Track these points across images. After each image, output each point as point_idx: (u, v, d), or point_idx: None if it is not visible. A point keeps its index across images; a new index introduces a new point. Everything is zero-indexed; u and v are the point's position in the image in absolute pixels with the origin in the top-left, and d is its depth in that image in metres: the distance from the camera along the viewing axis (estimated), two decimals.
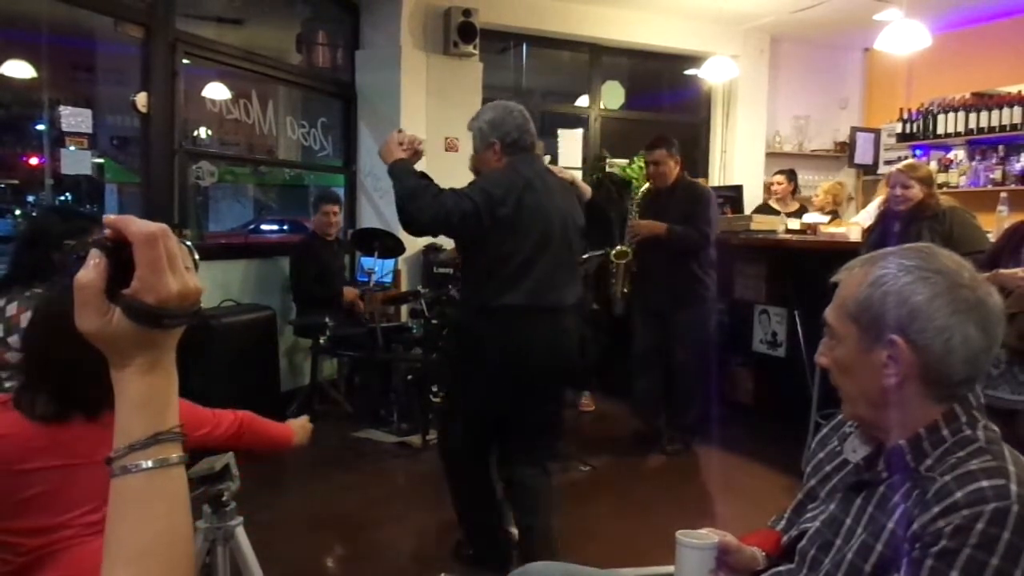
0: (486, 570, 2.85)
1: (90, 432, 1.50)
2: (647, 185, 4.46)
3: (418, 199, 2.69)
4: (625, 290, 4.50)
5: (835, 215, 5.82)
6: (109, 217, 0.72)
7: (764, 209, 5.84)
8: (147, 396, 0.73)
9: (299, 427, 2.07)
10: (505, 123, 2.78)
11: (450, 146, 5.90)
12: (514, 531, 2.99)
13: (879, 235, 3.72)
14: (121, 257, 0.71)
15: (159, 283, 0.70)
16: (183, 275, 0.72)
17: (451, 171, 5.90)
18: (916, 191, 3.65)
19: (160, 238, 0.70)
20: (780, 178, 6.16)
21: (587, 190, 3.44)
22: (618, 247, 4.47)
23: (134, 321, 0.70)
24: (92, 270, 0.70)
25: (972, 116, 6.19)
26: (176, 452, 0.73)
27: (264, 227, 10.15)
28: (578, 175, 3.47)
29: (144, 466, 0.71)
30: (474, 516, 3.00)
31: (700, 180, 6.21)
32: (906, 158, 6.06)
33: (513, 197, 2.66)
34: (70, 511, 1.50)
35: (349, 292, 5.01)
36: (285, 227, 9.81)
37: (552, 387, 2.91)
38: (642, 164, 5.17)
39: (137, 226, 0.70)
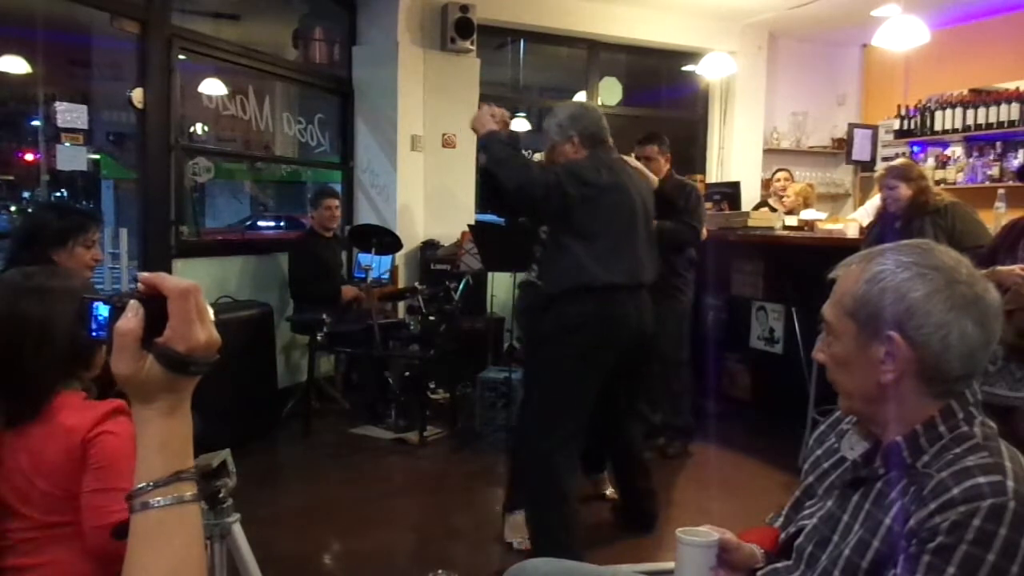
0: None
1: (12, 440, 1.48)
2: None
3: (507, 167, 2.83)
4: None
5: None
6: (143, 274, 0.80)
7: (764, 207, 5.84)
8: (167, 437, 0.80)
9: None
10: (584, 118, 2.95)
11: (447, 142, 5.90)
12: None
13: (879, 232, 3.73)
14: (151, 309, 0.79)
15: (189, 333, 0.79)
16: (209, 327, 0.81)
17: (449, 167, 5.94)
18: (903, 190, 3.67)
19: (192, 293, 0.79)
20: (785, 174, 6.18)
21: (654, 180, 3.41)
22: None
23: (165, 367, 0.78)
24: (132, 320, 0.78)
25: (970, 112, 6.18)
26: (191, 490, 0.80)
27: (260, 223, 10.11)
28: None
29: (162, 503, 0.78)
30: (559, 513, 2.87)
31: (698, 177, 6.22)
32: (904, 155, 6.08)
33: (598, 180, 2.83)
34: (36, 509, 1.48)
35: (348, 291, 5.00)
36: (281, 223, 9.78)
37: (637, 360, 3.09)
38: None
39: (172, 282, 0.79)
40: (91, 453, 1.45)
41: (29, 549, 1.47)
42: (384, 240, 5.05)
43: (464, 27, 5.66)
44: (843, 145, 7.29)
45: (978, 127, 6.15)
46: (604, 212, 2.82)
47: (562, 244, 2.87)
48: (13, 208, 8.02)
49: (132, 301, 0.79)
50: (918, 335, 1.12)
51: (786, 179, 6.14)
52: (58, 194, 6.84)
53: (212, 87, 5.21)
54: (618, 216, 2.86)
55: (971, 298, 1.12)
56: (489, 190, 2.98)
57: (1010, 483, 1.04)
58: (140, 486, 0.78)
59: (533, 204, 2.88)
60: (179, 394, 0.81)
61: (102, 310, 0.83)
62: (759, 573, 1.32)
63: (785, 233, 4.88)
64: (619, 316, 2.85)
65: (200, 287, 0.80)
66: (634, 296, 2.90)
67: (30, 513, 1.47)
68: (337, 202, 5.16)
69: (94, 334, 0.84)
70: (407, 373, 4.76)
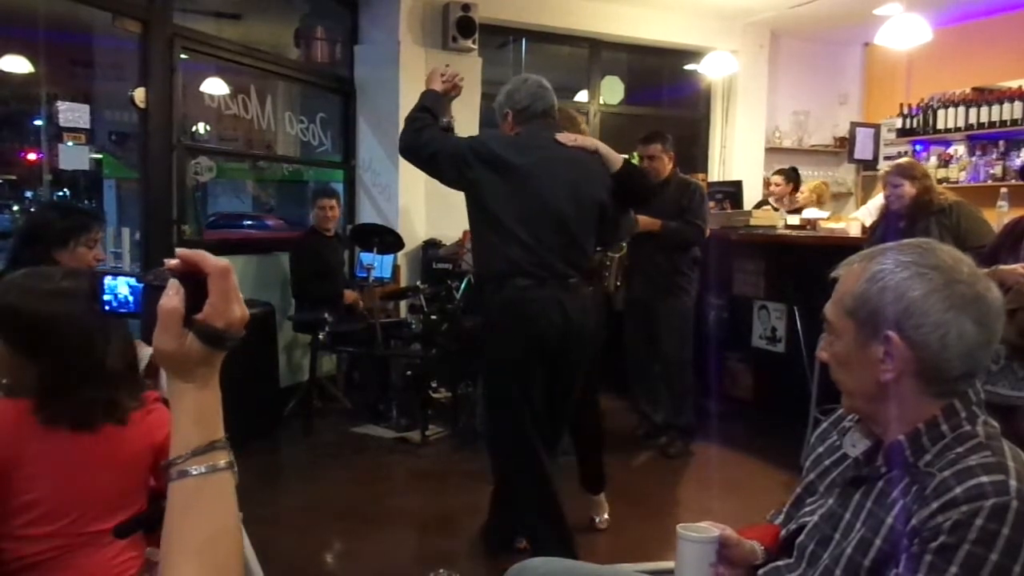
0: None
1: (80, 442, 1.48)
2: None
3: (407, 124, 2.79)
4: (618, 283, 4.50)
5: None
6: (183, 251, 0.81)
7: (763, 207, 5.79)
8: (202, 409, 0.84)
9: None
10: (517, 92, 2.83)
11: None
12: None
13: (882, 232, 3.74)
14: (187, 286, 0.80)
15: (228, 310, 0.81)
16: (242, 304, 0.83)
17: None
18: (907, 188, 3.68)
19: (230, 272, 0.81)
20: (777, 178, 5.93)
21: (615, 160, 2.91)
22: None
23: (205, 343, 0.81)
24: (174, 298, 0.80)
25: (972, 111, 6.17)
26: (224, 459, 0.83)
27: (236, 224, 9.58)
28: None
29: (199, 471, 0.81)
30: (538, 504, 2.77)
31: (699, 176, 6.21)
32: (906, 153, 6.07)
33: (508, 158, 2.64)
34: (61, 519, 1.47)
35: (349, 295, 5.00)
36: (249, 223, 9.29)
37: (564, 366, 2.76)
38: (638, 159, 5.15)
39: (213, 260, 0.81)
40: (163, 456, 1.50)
41: (51, 556, 1.48)
42: (386, 239, 5.05)
43: (466, 26, 5.66)
44: (845, 144, 7.28)
45: (980, 126, 6.14)
46: (506, 195, 2.60)
47: (476, 226, 2.73)
48: (16, 207, 8.02)
49: (172, 280, 0.80)
50: (916, 334, 1.12)
51: (776, 184, 5.92)
52: (60, 194, 6.83)
53: (214, 86, 5.21)
54: (522, 199, 2.60)
55: (971, 297, 1.12)
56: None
57: (1013, 482, 1.04)
58: (178, 455, 0.81)
59: (422, 166, 2.80)
60: (212, 367, 0.84)
61: (120, 284, 0.84)
62: (761, 571, 1.32)
63: (787, 232, 4.87)
64: (526, 310, 2.59)
65: (231, 266, 0.82)
66: (548, 289, 2.61)
67: (67, 519, 1.48)
68: (333, 202, 5.14)
69: (107, 308, 0.85)
70: (409, 372, 4.76)
